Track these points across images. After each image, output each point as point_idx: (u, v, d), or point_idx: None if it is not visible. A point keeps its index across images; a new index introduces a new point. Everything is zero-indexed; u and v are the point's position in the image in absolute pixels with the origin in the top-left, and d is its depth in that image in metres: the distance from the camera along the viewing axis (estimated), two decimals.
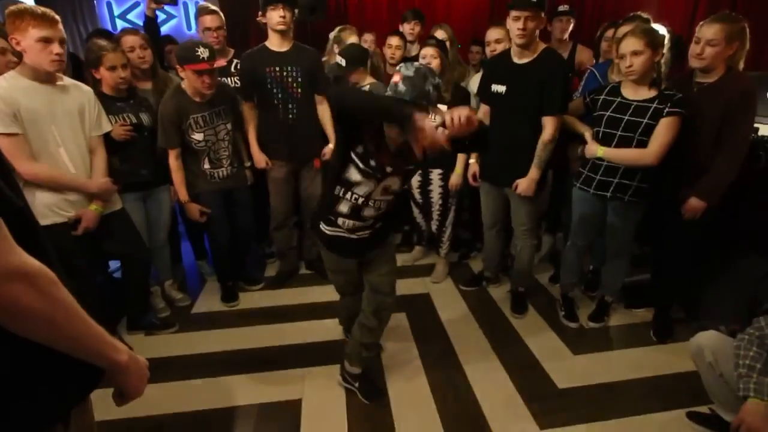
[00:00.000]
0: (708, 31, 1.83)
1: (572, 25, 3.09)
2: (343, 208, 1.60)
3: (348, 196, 1.57)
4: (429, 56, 2.40)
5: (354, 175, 1.54)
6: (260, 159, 2.52)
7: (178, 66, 2.16)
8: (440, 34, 2.87)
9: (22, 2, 1.68)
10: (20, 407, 0.66)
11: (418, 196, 2.78)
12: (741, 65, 1.92)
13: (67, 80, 1.83)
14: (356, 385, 1.90)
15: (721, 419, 1.62)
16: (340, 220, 1.62)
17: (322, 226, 1.68)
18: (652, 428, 1.73)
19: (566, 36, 3.08)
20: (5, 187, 0.58)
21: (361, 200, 1.57)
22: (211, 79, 2.14)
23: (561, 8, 3.07)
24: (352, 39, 2.75)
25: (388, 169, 1.54)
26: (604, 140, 2.03)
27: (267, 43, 2.45)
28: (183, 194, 2.31)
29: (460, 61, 3.08)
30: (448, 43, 2.71)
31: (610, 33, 2.47)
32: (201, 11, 2.61)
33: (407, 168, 1.61)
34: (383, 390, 1.93)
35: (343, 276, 1.85)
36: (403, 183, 1.64)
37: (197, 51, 2.07)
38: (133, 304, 2.31)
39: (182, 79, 2.22)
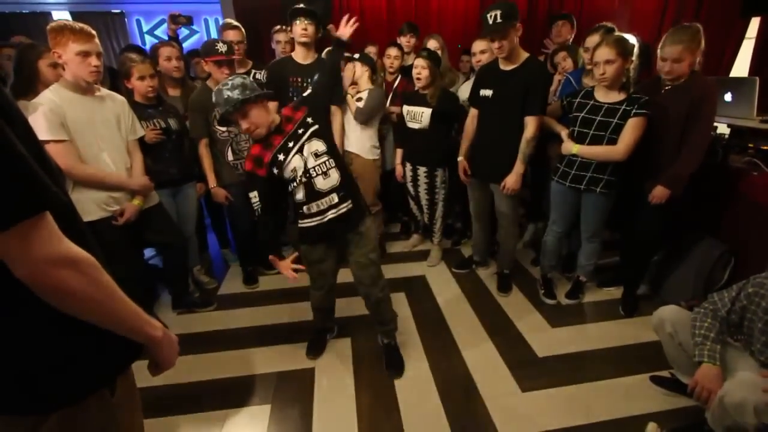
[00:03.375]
0: (672, 51, 1.82)
1: (570, 32, 3.00)
2: (299, 195, 1.62)
3: (295, 184, 1.60)
4: (420, 67, 2.41)
5: (285, 170, 1.58)
6: None
7: (202, 60, 2.24)
8: (432, 43, 2.86)
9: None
10: (74, 374, 0.68)
11: (411, 190, 2.79)
12: (698, 65, 1.90)
13: (103, 91, 1.84)
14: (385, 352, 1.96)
15: (679, 382, 1.65)
16: (305, 208, 1.65)
17: (299, 224, 1.71)
18: (620, 390, 1.76)
19: (569, 39, 2.98)
20: (52, 184, 0.58)
21: (304, 178, 1.59)
22: (230, 69, 2.19)
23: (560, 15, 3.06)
24: None
25: (290, 144, 1.57)
26: (579, 139, 2.03)
27: (293, 55, 2.46)
28: (212, 180, 2.34)
29: (450, 67, 3.06)
30: (439, 51, 2.69)
31: (560, 55, 2.65)
32: (225, 26, 2.61)
33: (300, 129, 1.59)
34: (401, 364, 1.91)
35: (316, 268, 1.81)
36: (325, 141, 1.60)
37: (216, 46, 2.15)
38: (176, 284, 2.35)
39: (206, 76, 2.31)
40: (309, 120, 1.61)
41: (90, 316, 0.64)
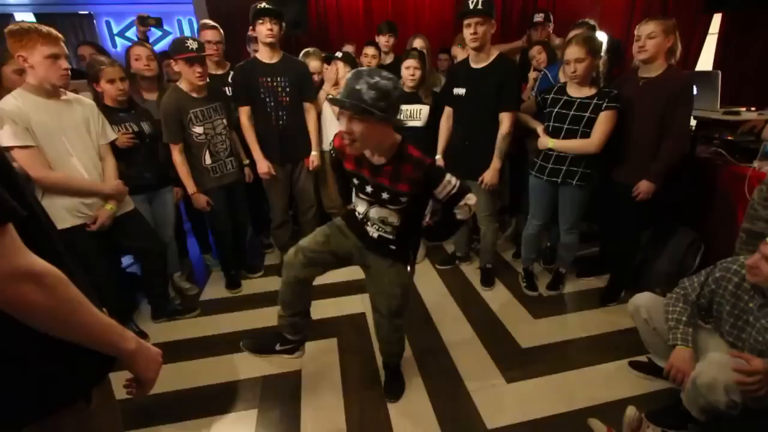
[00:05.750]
0: (646, 28, 1.87)
1: (550, 30, 3.04)
2: (360, 208, 1.50)
3: (356, 201, 1.49)
4: (413, 68, 2.41)
5: (354, 198, 1.49)
6: (264, 166, 2.43)
7: (171, 60, 2.14)
8: (418, 42, 2.88)
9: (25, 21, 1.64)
10: (47, 386, 0.67)
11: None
12: (675, 61, 1.95)
13: (70, 95, 1.78)
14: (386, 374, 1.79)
15: (656, 365, 1.70)
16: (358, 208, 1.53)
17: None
18: (601, 377, 1.81)
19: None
20: (9, 198, 0.56)
21: (362, 217, 1.48)
22: (202, 68, 2.11)
23: (536, 18, 3.03)
24: (315, 63, 2.69)
25: (369, 188, 1.40)
26: (554, 133, 2.08)
27: (258, 55, 2.39)
28: (191, 186, 2.26)
29: (433, 69, 3.09)
30: (426, 52, 2.71)
31: (535, 49, 2.69)
32: (203, 26, 2.56)
33: (386, 194, 1.37)
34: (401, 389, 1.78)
35: (317, 238, 1.57)
36: (402, 219, 1.41)
37: (186, 43, 2.06)
38: (155, 293, 2.28)
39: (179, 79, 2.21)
40: (403, 199, 1.36)
41: (55, 330, 0.63)
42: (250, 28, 2.37)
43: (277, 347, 1.74)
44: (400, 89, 1.20)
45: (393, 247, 1.49)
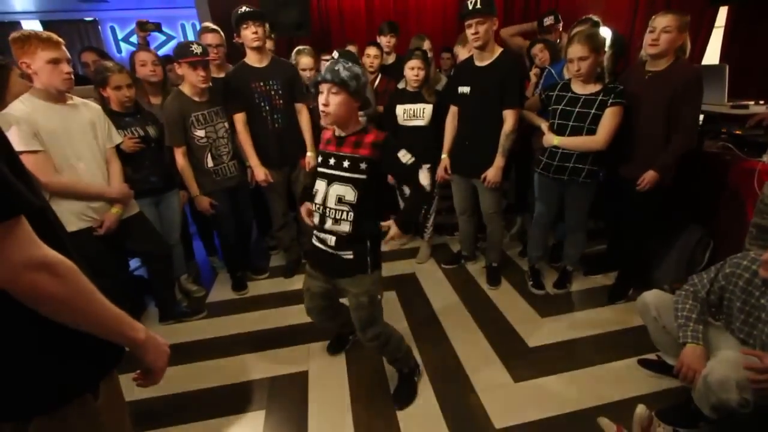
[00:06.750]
0: (663, 20, 1.84)
1: (560, 30, 3.00)
2: (315, 219, 1.54)
3: (315, 206, 1.53)
4: (417, 68, 2.41)
5: (316, 183, 1.52)
6: (261, 173, 2.41)
7: (175, 63, 2.15)
8: (426, 44, 2.88)
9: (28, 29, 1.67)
10: (54, 378, 0.68)
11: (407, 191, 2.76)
12: (685, 54, 1.92)
13: (76, 99, 1.79)
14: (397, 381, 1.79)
15: (666, 364, 1.68)
16: (315, 233, 1.57)
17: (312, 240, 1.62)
18: (609, 375, 1.79)
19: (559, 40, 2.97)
20: (26, 189, 0.58)
21: (321, 208, 1.49)
22: (205, 72, 2.13)
23: (546, 21, 2.96)
24: (307, 59, 2.68)
25: (332, 161, 1.47)
26: (559, 130, 2.06)
27: (247, 60, 2.35)
28: (194, 188, 2.27)
29: (435, 68, 3.08)
30: (430, 54, 2.71)
31: (537, 47, 2.68)
32: (203, 30, 2.56)
33: (347, 162, 1.44)
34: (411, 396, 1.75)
35: (309, 292, 1.67)
36: (358, 195, 1.43)
37: (191, 47, 2.08)
38: (162, 294, 2.29)
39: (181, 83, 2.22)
40: (363, 165, 1.42)
41: (68, 319, 0.64)
42: (234, 35, 2.32)
43: (351, 338, 2.05)
44: (365, 77, 1.43)
45: (350, 257, 1.49)
